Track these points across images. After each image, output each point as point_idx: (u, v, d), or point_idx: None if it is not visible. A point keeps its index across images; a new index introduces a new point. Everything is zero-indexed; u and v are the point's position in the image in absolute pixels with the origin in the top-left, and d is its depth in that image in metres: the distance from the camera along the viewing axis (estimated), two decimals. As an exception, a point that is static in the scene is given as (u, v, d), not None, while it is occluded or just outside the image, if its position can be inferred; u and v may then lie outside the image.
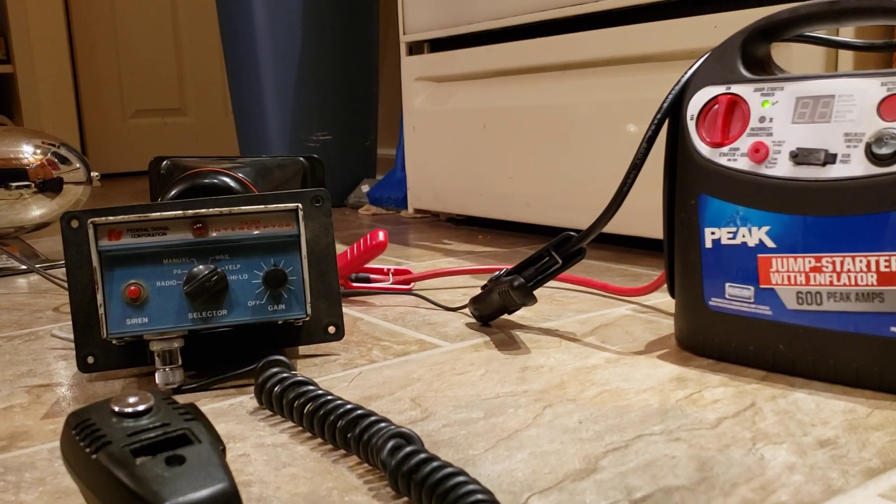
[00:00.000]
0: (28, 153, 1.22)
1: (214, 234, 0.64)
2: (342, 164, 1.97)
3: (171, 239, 0.64)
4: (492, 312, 0.79)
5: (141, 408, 0.42)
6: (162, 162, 1.17)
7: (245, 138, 2.01)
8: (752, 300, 0.62)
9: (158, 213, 0.63)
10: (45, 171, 1.23)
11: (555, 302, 0.89)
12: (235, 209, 0.64)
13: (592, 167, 1.17)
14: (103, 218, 0.62)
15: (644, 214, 1.09)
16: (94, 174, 1.29)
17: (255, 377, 0.61)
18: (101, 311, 0.62)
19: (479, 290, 0.96)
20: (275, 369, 0.60)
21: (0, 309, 0.99)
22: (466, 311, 0.87)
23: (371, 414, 0.51)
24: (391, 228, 1.56)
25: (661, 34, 1.05)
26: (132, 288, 0.63)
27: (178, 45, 3.40)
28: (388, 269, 1.01)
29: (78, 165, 1.26)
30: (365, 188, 1.93)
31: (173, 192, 0.98)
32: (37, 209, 1.22)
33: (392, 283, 0.99)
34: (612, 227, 1.15)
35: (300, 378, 0.58)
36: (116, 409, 0.42)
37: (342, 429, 0.51)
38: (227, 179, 0.98)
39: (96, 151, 3.25)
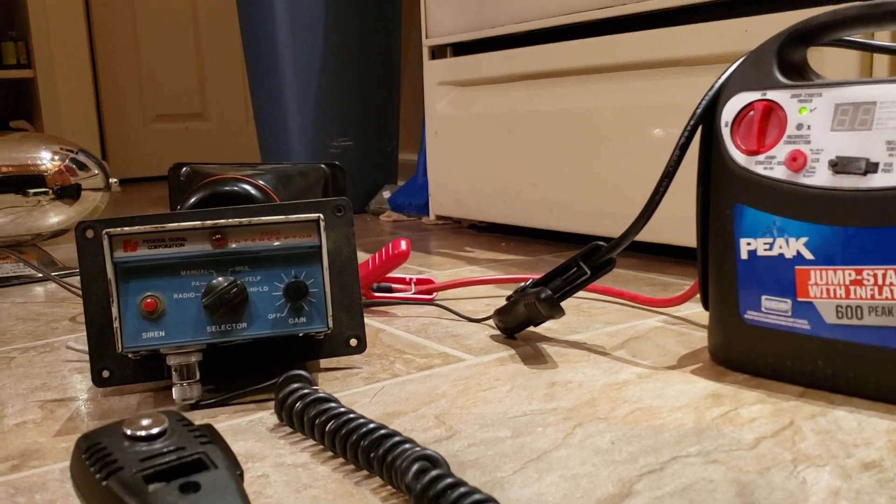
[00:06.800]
0: (46, 159, 1.21)
1: (234, 245, 0.63)
2: (363, 169, 1.96)
3: (188, 250, 0.62)
4: (517, 325, 0.77)
5: (154, 431, 0.41)
6: (181, 168, 1.16)
7: (266, 144, 2.00)
8: (789, 314, 0.60)
9: (176, 224, 0.61)
10: (63, 178, 1.21)
11: (582, 313, 0.87)
12: (255, 220, 0.62)
13: (619, 173, 1.15)
14: (119, 228, 0.60)
15: (673, 221, 1.06)
16: (112, 180, 1.28)
17: (276, 392, 0.59)
18: (115, 324, 0.60)
19: (503, 301, 0.94)
20: (295, 385, 0.58)
21: (16, 319, 0.98)
22: (490, 322, 0.85)
23: (395, 434, 0.49)
24: (412, 235, 1.54)
25: (689, 38, 1.03)
26: (148, 301, 0.61)
27: (199, 50, 3.40)
28: (411, 279, 0.99)
29: (96, 171, 1.25)
30: (386, 194, 1.91)
31: (193, 200, 0.96)
32: (54, 216, 1.21)
33: (414, 293, 0.97)
34: (640, 235, 1.13)
35: (321, 394, 0.56)
36: (129, 432, 0.40)
37: (365, 449, 0.49)
38: (247, 187, 0.97)
39: (117, 156, 3.25)
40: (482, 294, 0.98)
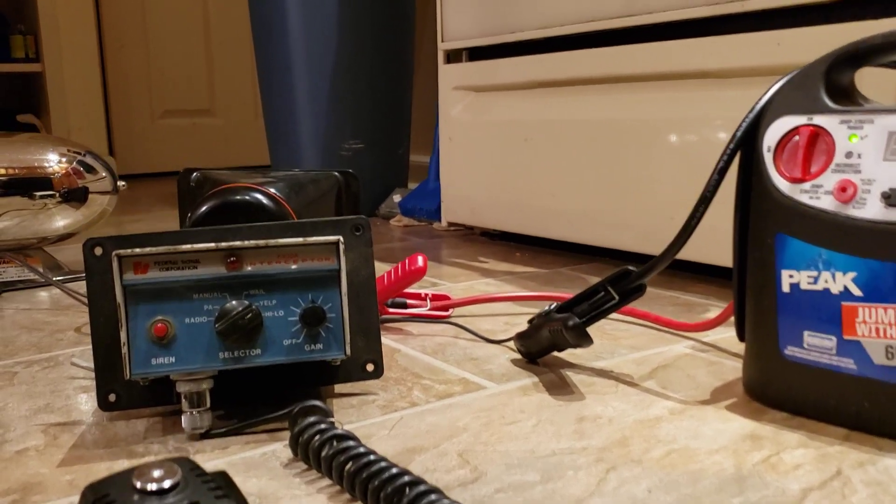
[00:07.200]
0: (53, 161, 1.18)
1: (249, 269, 0.60)
2: (374, 172, 1.92)
3: (202, 273, 0.59)
4: (540, 350, 0.74)
5: (166, 484, 0.37)
6: (192, 174, 1.13)
7: (276, 145, 1.97)
8: (833, 351, 0.57)
9: (189, 246, 0.58)
10: (71, 181, 1.18)
11: (606, 335, 0.83)
12: (272, 242, 0.59)
13: (641, 186, 1.11)
14: (129, 250, 0.57)
15: (696, 238, 1.03)
16: (120, 183, 1.25)
17: (291, 425, 0.56)
18: (124, 350, 0.57)
19: (521, 319, 0.91)
20: (311, 419, 0.55)
21: (20, 328, 0.95)
22: (510, 344, 0.82)
23: (420, 482, 0.46)
24: (424, 242, 1.51)
25: (718, 50, 0.99)
26: (159, 325, 0.58)
27: (208, 46, 3.36)
28: (426, 294, 0.96)
29: (104, 174, 1.22)
30: (396, 198, 1.88)
31: (204, 209, 0.93)
32: (61, 220, 1.18)
33: (430, 310, 0.93)
34: (661, 250, 1.09)
35: (339, 431, 0.53)
36: (139, 484, 0.37)
37: (388, 497, 0.46)
38: (259, 196, 0.94)
39: (124, 152, 3.22)
40: (500, 311, 0.95)
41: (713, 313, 0.91)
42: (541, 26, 1.27)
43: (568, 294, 0.94)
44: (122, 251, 0.57)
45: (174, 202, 2.30)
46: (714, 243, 0.99)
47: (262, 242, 0.59)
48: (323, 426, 0.54)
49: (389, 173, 1.97)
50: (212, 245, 0.58)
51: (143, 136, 3.27)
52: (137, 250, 0.57)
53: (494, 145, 1.39)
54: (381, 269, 1.24)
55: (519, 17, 1.31)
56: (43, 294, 1.14)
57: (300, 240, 0.60)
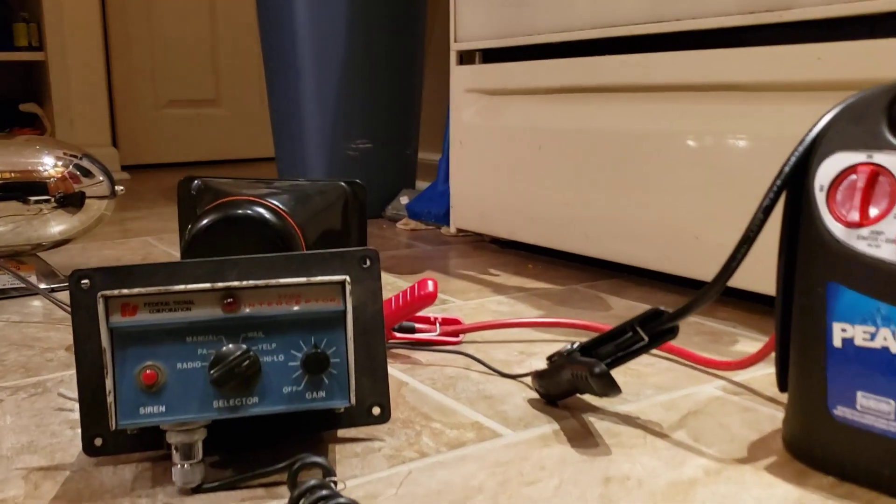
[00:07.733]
0: (48, 165, 1.13)
1: (248, 310, 0.54)
2: (381, 173, 1.87)
3: (196, 315, 0.54)
4: (560, 392, 0.68)
5: None
6: (192, 182, 1.08)
7: (281, 144, 1.91)
8: (892, 416, 0.51)
9: (183, 287, 0.53)
10: (66, 185, 1.13)
11: (630, 372, 0.78)
12: (273, 282, 0.54)
13: (662, 202, 1.06)
14: (116, 291, 0.52)
15: (720, 260, 0.97)
16: (118, 188, 1.20)
17: (290, 485, 0.51)
18: (109, 399, 0.52)
19: (537, 346, 0.85)
20: (313, 481, 0.50)
21: (9, 344, 0.90)
22: (525, 379, 0.77)
23: (435, 572, 0.41)
24: (431, 249, 1.46)
25: (751, 62, 0.94)
26: (148, 372, 0.53)
27: (214, 35, 3.31)
28: (435, 318, 0.90)
29: (101, 178, 1.17)
30: (404, 200, 1.82)
31: (204, 222, 0.88)
32: (56, 225, 1.13)
33: (439, 335, 0.88)
34: (684, 271, 1.04)
35: (344, 501, 0.47)
36: None
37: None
38: (262, 211, 0.88)
39: (127, 142, 3.16)
40: (514, 338, 0.90)
41: (742, 344, 0.86)
42: (560, 29, 1.21)
43: (586, 321, 0.89)
44: (108, 292, 0.52)
45: (176, 199, 2.25)
46: (742, 266, 0.94)
47: (261, 283, 0.54)
48: (325, 493, 0.49)
49: (397, 174, 1.92)
50: (207, 286, 0.53)
51: (148, 126, 3.22)
52: (125, 291, 0.52)
53: (507, 151, 1.33)
54: (385, 278, 1.18)
55: (537, 19, 1.26)
56: (36, 303, 1.09)
57: (303, 280, 0.55)
